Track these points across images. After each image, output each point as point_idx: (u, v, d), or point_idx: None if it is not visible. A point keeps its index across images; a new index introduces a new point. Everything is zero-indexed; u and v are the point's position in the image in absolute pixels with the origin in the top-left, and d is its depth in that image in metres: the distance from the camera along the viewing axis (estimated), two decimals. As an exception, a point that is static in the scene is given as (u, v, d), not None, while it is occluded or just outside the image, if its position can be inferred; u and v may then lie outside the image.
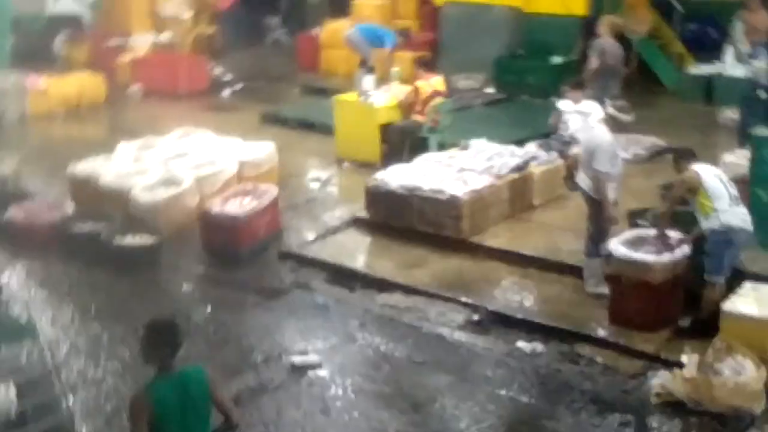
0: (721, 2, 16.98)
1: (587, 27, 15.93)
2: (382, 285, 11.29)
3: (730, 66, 16.97)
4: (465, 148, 13.21)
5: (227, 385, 8.63)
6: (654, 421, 8.81)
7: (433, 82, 14.24)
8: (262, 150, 13.77)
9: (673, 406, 8.91)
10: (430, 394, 9.33)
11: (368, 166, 13.57)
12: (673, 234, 10.04)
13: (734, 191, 9.70)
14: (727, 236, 9.57)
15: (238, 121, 16.72)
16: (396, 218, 12.22)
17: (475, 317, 10.60)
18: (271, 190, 12.47)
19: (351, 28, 17.76)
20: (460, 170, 12.44)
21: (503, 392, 9.33)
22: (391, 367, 9.84)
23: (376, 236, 12.38)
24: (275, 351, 10.06)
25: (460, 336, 10.35)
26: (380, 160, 13.85)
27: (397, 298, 11.06)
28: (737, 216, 9.60)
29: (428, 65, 14.74)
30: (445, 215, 11.87)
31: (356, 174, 13.82)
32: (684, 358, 9.21)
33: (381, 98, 14.56)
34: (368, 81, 14.89)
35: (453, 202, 11.85)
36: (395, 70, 15.45)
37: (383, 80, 15.46)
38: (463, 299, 10.86)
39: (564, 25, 16.72)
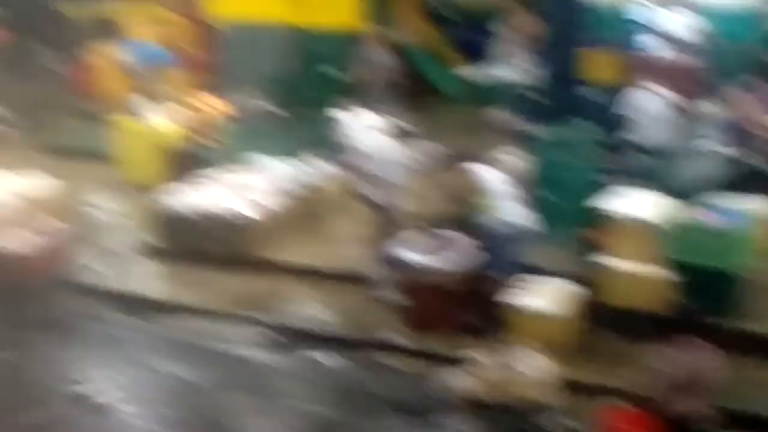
0: (488, 7, 17.45)
1: (361, 40, 16.13)
2: (175, 310, 11.13)
3: (499, 69, 17.50)
4: (250, 167, 13.15)
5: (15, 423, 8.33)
6: (452, 420, 8.98)
7: (213, 103, 14.12)
8: (42, 183, 13.30)
9: (469, 404, 9.11)
10: (232, 416, 9.25)
11: (152, 190, 13.31)
12: (458, 236, 10.28)
13: (512, 190, 10.00)
14: (508, 234, 9.86)
15: (14, 154, 16.07)
16: (184, 241, 12.05)
17: (272, 334, 10.59)
18: (53, 223, 12.08)
19: (123, 50, 17.39)
20: (247, 189, 12.39)
21: (304, 406, 9.35)
22: (189, 392, 9.70)
23: (166, 261, 12.18)
24: (66, 385, 9.74)
25: (258, 354, 10.32)
26: (164, 183, 13.60)
27: (191, 322, 10.92)
28: (516, 214, 9.90)
29: (208, 85, 14.61)
30: (234, 235, 11.81)
31: (141, 199, 13.53)
32: (476, 356, 9.44)
33: (160, 120, 14.33)
34: (145, 103, 14.63)
35: (241, 222, 11.81)
36: (170, 90, 15.22)
37: (160, 102, 15.19)
38: (259, 317, 10.84)
39: (338, 38, 16.83)
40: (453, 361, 9.66)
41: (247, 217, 11.80)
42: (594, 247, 10.42)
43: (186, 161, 13.63)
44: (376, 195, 10.57)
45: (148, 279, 11.96)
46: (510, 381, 9.14)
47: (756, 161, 11.82)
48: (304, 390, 9.61)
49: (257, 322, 10.78)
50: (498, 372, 9.21)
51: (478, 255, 10.15)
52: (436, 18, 17.98)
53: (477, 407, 9.09)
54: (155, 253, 12.32)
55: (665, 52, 12.32)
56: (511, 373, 9.18)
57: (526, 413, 8.98)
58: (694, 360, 7.21)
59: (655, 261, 9.78)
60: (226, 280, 11.62)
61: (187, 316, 11.01)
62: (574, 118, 10.92)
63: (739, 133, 11.95)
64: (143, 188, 13.58)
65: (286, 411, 9.31)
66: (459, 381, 9.29)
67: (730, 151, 11.94)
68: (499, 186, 9.92)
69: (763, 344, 9.26)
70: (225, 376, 9.96)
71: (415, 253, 10.25)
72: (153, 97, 15.24)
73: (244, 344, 10.49)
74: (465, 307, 10.21)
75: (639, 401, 7.56)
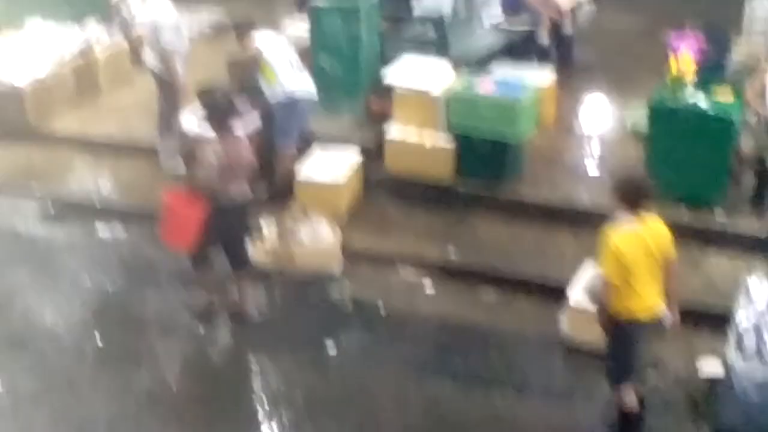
0: None
1: None
2: (-54, 184, 10.71)
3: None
4: (23, 31, 12.56)
5: None
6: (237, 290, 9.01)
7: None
8: None
9: (259, 275, 9.12)
10: (10, 292, 9.00)
11: None
12: (243, 107, 10.15)
13: (295, 59, 9.92)
14: (291, 104, 9.81)
15: None
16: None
17: (51, 208, 10.30)
18: None
19: None
20: (19, 56, 11.85)
21: (88, 282, 9.18)
22: (-35, 269, 9.40)
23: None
24: None
25: (37, 229, 10.05)
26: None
27: (-37, 196, 10.55)
28: (299, 84, 9.84)
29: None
30: (7, 105, 11.33)
31: None
32: (263, 228, 9.45)
33: None
34: None
35: (14, 92, 11.33)
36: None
37: None
38: (37, 191, 10.51)
39: None
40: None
41: (20, 88, 11.31)
42: (377, 116, 10.51)
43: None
44: (160, 64, 10.29)
45: None
46: (297, 252, 9.22)
47: (534, 31, 12.15)
48: (86, 265, 9.43)
49: (35, 196, 10.46)
50: (283, 241, 9.28)
51: (260, 124, 10.06)
52: None
53: (262, 277, 9.13)
54: None
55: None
56: (298, 244, 9.26)
57: (312, 282, 9.10)
58: (233, 149, 8.09)
59: (436, 130, 9.95)
60: (0, 152, 11.20)
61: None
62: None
63: (517, 4, 12.23)
64: None
65: (67, 286, 9.13)
66: (245, 252, 9.31)
67: (509, 21, 12.23)
68: (281, 55, 9.81)
69: (538, 210, 9.61)
70: (3, 251, 9.65)
71: (200, 125, 10.07)
72: None
73: (22, 218, 10.17)
74: (252, 180, 10.14)
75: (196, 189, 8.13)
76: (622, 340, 6.91)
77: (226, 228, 8.20)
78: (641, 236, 6.68)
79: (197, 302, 8.66)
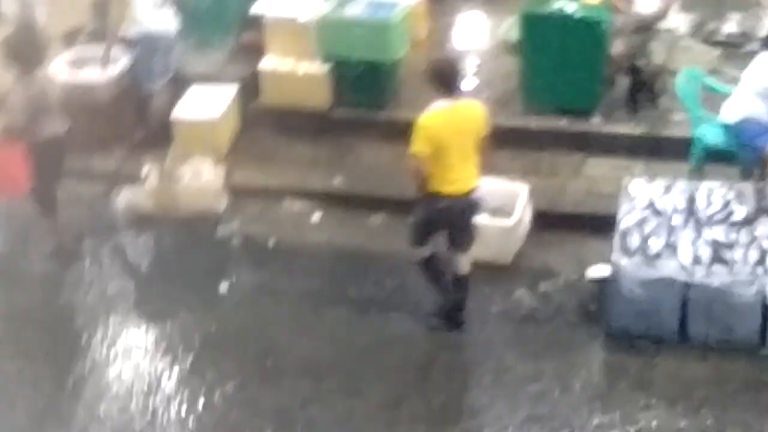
0: None
1: None
2: None
3: None
4: None
5: None
6: (126, 238, 8.89)
7: None
8: None
9: (142, 220, 9.02)
10: None
11: None
12: (106, 48, 9.91)
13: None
14: (150, 42, 9.57)
15: None
16: None
17: None
18: None
19: None
20: None
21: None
22: None
23: None
24: None
25: None
26: None
27: None
28: (158, 20, 9.59)
29: None
30: None
31: None
32: (142, 170, 9.27)
33: None
34: None
35: None
36: None
37: None
38: None
39: None
40: (122, 179, 9.45)
41: None
42: (250, 48, 10.36)
43: None
44: (16, 10, 9.93)
45: None
46: (180, 193, 9.11)
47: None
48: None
49: None
50: (164, 184, 9.15)
51: (128, 67, 9.82)
52: None
53: (148, 223, 9.02)
54: None
55: None
56: (180, 184, 9.14)
57: (198, 222, 9.01)
58: (40, 87, 8.04)
59: (309, 58, 9.85)
60: None
61: None
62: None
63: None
64: None
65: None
66: (129, 198, 9.16)
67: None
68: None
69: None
70: None
71: (71, 70, 9.81)
72: None
73: None
74: (127, 122, 9.94)
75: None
76: (425, 208, 7.29)
77: (39, 167, 8.13)
78: (453, 115, 7.01)
79: (51, 246, 8.61)
